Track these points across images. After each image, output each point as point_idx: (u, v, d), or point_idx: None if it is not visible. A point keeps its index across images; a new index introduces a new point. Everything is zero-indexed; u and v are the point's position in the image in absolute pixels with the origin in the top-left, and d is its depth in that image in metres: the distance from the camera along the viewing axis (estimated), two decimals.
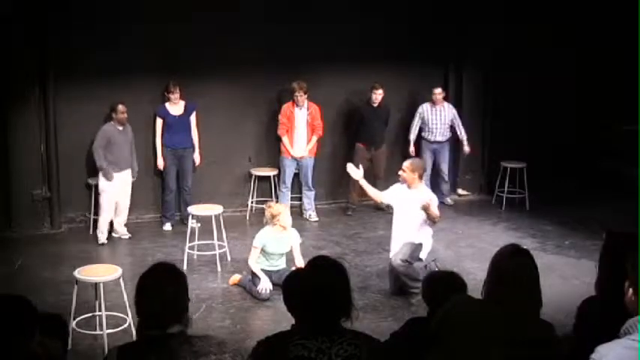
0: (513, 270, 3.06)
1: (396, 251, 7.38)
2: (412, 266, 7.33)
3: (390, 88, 10.39)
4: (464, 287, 4.21)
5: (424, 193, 7.43)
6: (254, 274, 7.45)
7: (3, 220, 9.16)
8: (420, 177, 7.52)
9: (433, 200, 7.40)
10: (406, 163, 7.53)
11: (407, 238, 7.37)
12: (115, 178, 8.83)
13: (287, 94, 9.89)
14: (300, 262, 7.25)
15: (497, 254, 3.16)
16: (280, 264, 7.58)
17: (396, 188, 7.66)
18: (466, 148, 10.62)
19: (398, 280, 7.40)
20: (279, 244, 7.51)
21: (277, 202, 9.96)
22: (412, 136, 10.59)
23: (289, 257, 7.60)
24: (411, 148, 10.56)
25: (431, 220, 7.30)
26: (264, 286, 7.30)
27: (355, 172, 7.75)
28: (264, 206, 7.97)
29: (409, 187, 7.46)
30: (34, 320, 2.97)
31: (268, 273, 7.44)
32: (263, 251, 7.50)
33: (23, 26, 8.76)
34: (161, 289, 2.97)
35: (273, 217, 7.44)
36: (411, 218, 7.35)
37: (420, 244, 7.40)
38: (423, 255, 7.46)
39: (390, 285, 7.51)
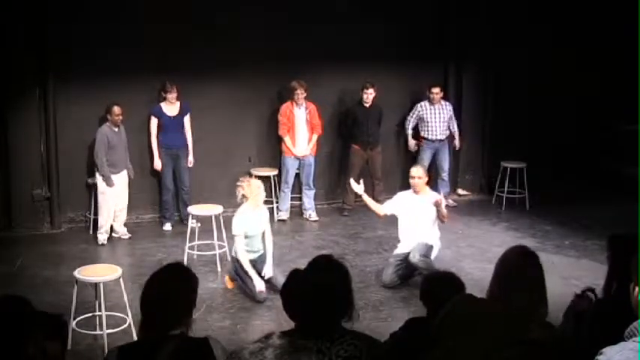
0: (518, 270, 3.06)
1: (411, 249, 7.50)
2: (429, 259, 7.50)
3: (390, 88, 10.40)
4: (462, 287, 4.21)
5: (433, 194, 7.73)
6: (242, 274, 7.33)
7: (3, 220, 9.16)
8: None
9: (442, 200, 7.66)
10: (419, 171, 7.74)
11: (420, 240, 7.57)
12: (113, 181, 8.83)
13: (287, 93, 9.89)
14: (269, 238, 7.35)
15: (505, 254, 3.17)
16: (260, 247, 7.47)
17: (400, 197, 7.86)
18: (456, 143, 10.64)
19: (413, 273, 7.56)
20: (256, 222, 7.36)
21: (277, 201, 9.98)
22: (410, 131, 10.56)
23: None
24: (411, 142, 10.55)
25: (441, 217, 7.53)
26: (258, 287, 7.17)
27: (357, 187, 7.81)
28: (238, 183, 7.48)
29: (417, 192, 7.66)
30: (34, 321, 2.96)
31: (253, 262, 7.34)
32: (245, 236, 7.33)
33: (23, 26, 8.76)
34: (166, 292, 2.95)
35: (252, 191, 7.27)
36: (424, 221, 7.58)
37: (432, 246, 7.61)
38: (432, 256, 7.62)
39: (390, 278, 7.57)
